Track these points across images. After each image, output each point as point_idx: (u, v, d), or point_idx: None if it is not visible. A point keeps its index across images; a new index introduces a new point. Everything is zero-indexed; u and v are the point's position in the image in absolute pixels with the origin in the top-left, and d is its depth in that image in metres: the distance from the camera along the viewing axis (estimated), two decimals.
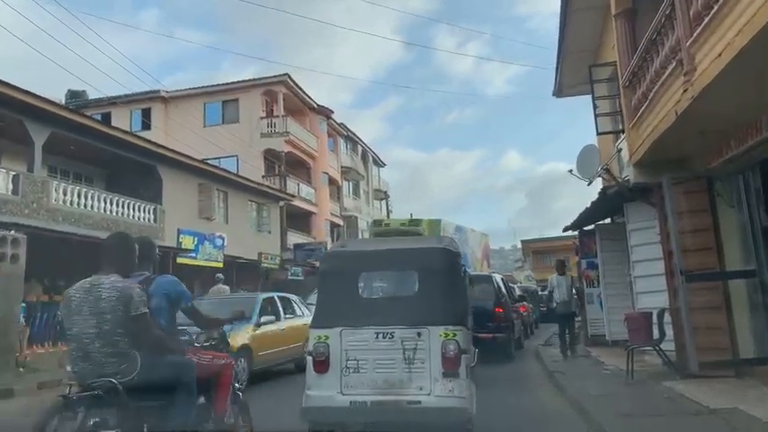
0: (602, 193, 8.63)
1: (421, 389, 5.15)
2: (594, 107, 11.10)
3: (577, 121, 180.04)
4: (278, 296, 11.71)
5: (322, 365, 5.35)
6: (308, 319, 11.57)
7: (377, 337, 5.29)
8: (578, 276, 13.71)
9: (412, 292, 5.82)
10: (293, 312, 11.65)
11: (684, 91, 5.86)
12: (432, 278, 5.69)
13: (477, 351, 7.69)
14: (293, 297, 12.74)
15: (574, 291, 12.37)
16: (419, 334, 5.24)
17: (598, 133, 11.25)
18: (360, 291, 6.03)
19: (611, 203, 9.91)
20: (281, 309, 11.12)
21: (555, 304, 12.14)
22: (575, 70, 12.89)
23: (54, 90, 32.82)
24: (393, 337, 5.25)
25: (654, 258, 8.70)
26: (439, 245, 6.20)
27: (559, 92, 14.01)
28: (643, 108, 7.55)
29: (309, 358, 5.49)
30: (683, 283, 6.93)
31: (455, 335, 5.24)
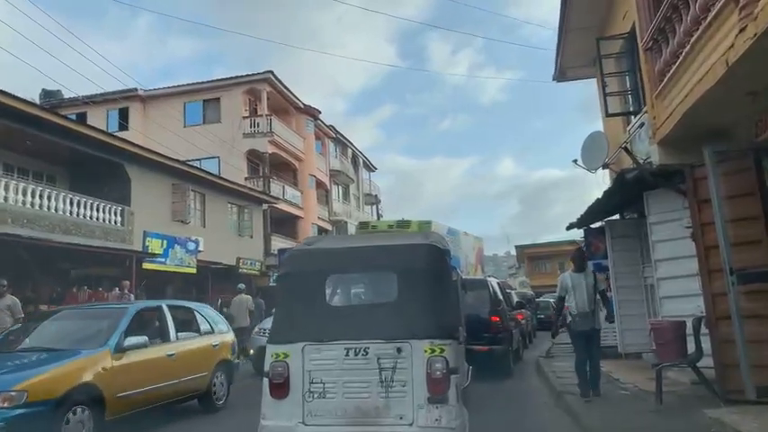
0: (620, 178, 7.22)
1: (401, 418, 4.26)
2: (603, 85, 9.75)
3: (571, 127, 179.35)
4: (169, 305, 8.22)
5: (280, 389, 4.43)
6: (223, 337, 8.80)
7: (347, 355, 4.39)
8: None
9: (391, 299, 4.73)
10: (197, 329, 8.43)
11: (741, 30, 4.47)
12: (415, 281, 4.62)
13: (471, 368, 6.36)
14: (199, 306, 9.39)
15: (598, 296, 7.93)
16: (399, 350, 4.33)
17: (608, 114, 9.89)
18: (327, 297, 4.95)
19: (626, 194, 8.49)
20: (170, 325, 7.74)
21: (569, 317, 7.89)
22: (578, 50, 11.56)
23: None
24: (367, 353, 4.37)
25: (682, 256, 7.29)
26: (424, 241, 5.12)
27: (561, 75, 12.64)
28: (672, 70, 6.17)
29: (266, 380, 4.47)
30: (733, 286, 5.50)
31: (443, 350, 4.32)
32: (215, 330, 8.76)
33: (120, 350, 6.53)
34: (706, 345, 6.47)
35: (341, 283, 5.31)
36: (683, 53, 5.75)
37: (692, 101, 5.62)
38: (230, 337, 9.15)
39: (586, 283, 7.65)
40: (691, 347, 6.42)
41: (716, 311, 6.21)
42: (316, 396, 4.34)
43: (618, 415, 6.20)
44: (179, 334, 7.84)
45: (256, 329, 12.63)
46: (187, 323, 8.40)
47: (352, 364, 4.35)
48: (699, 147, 6.25)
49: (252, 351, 12.18)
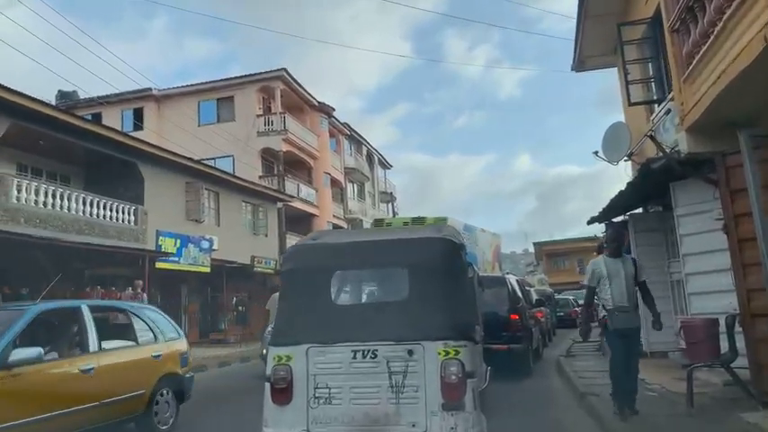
0: (645, 167, 6.83)
1: (413, 426, 3.97)
2: (625, 73, 9.36)
3: (589, 123, 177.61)
4: (91, 306, 6.48)
5: (283, 395, 4.16)
6: (170, 346, 7.14)
7: (355, 357, 4.10)
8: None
9: (402, 297, 4.43)
10: (132, 336, 6.77)
11: None
12: (428, 277, 4.32)
13: (490, 368, 6.05)
14: (137, 308, 7.57)
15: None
16: (410, 352, 4.04)
17: (630, 104, 9.49)
18: (333, 296, 4.65)
19: (651, 185, 8.11)
20: (90, 331, 6.05)
21: (604, 311, 6.23)
22: (598, 37, 11.16)
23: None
24: (376, 356, 4.08)
25: (712, 250, 6.91)
26: (437, 234, 4.76)
27: (580, 65, 12.23)
28: (702, 51, 5.79)
29: (267, 385, 4.19)
30: None
31: (458, 352, 4.02)
32: (159, 338, 7.06)
33: (2, 367, 4.98)
34: (739, 344, 6.11)
35: (348, 281, 5.02)
36: (715, 32, 5.37)
37: (725, 83, 5.26)
38: (180, 345, 7.46)
39: (625, 271, 6.04)
40: (724, 347, 6.04)
41: (751, 308, 5.83)
42: (321, 402, 4.07)
43: (647, 419, 5.83)
44: (105, 343, 6.24)
45: (268, 329, 12.37)
46: (119, 329, 6.89)
47: (359, 368, 4.06)
48: (730, 134, 5.87)
49: (265, 351, 11.94)
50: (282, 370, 4.15)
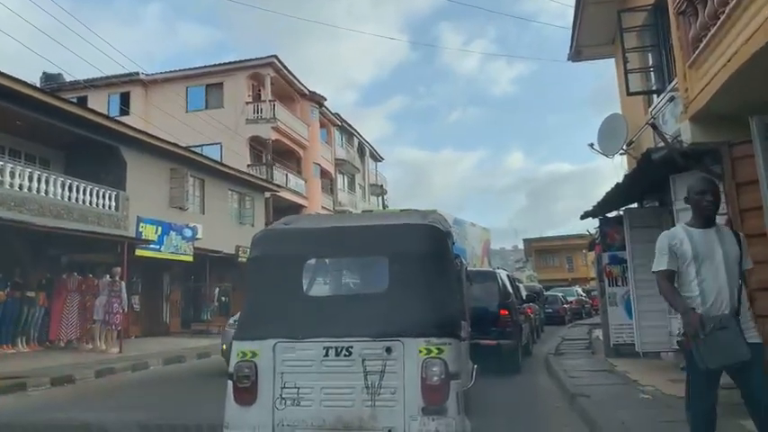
0: (646, 157, 6.47)
1: (390, 431, 3.64)
2: (625, 62, 9.00)
3: (583, 121, 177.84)
4: None
5: (247, 394, 3.79)
6: None
7: (327, 354, 3.75)
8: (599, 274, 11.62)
9: (381, 288, 4.05)
10: None
11: None
12: (410, 267, 3.95)
13: (477, 366, 5.69)
14: None
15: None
16: (389, 350, 3.70)
17: (629, 93, 9.15)
18: (304, 287, 4.26)
19: (649, 178, 7.76)
20: None
21: (679, 326, 3.73)
22: (596, 26, 10.80)
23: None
24: (350, 353, 3.74)
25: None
26: (422, 220, 4.34)
27: (576, 54, 11.87)
28: (712, 33, 5.40)
29: (230, 383, 3.80)
30: None
31: (441, 351, 3.69)
32: None
33: None
34: None
35: (322, 270, 4.63)
36: (726, 10, 4.99)
37: (736, 66, 4.88)
38: None
39: (724, 251, 3.61)
40: None
41: (755, 309, 5.48)
42: (289, 403, 3.69)
43: (643, 423, 5.50)
44: None
45: (230, 321, 11.41)
46: None
47: (332, 366, 3.69)
48: (735, 124, 5.54)
49: (224, 347, 10.95)
50: (246, 367, 3.77)
